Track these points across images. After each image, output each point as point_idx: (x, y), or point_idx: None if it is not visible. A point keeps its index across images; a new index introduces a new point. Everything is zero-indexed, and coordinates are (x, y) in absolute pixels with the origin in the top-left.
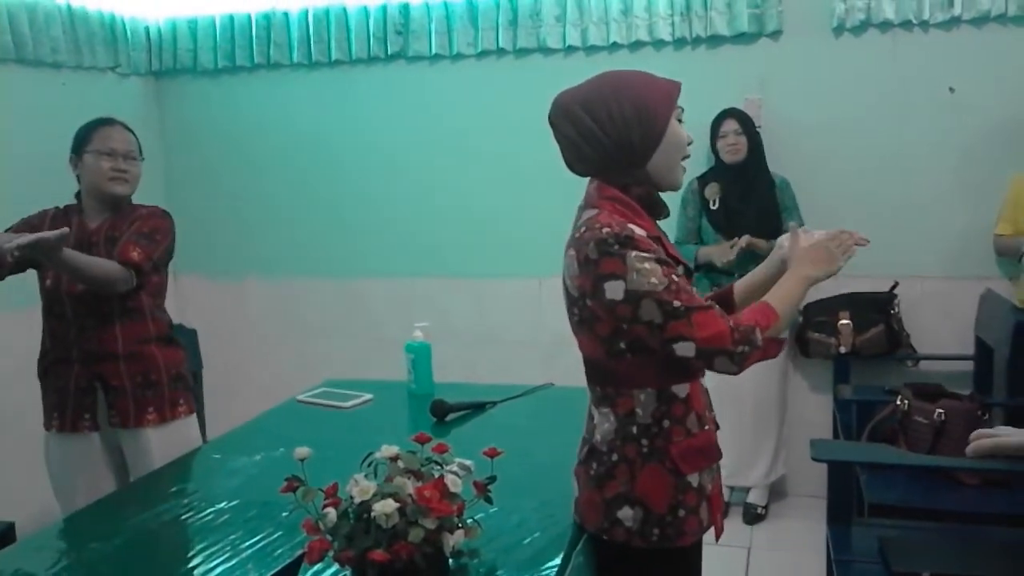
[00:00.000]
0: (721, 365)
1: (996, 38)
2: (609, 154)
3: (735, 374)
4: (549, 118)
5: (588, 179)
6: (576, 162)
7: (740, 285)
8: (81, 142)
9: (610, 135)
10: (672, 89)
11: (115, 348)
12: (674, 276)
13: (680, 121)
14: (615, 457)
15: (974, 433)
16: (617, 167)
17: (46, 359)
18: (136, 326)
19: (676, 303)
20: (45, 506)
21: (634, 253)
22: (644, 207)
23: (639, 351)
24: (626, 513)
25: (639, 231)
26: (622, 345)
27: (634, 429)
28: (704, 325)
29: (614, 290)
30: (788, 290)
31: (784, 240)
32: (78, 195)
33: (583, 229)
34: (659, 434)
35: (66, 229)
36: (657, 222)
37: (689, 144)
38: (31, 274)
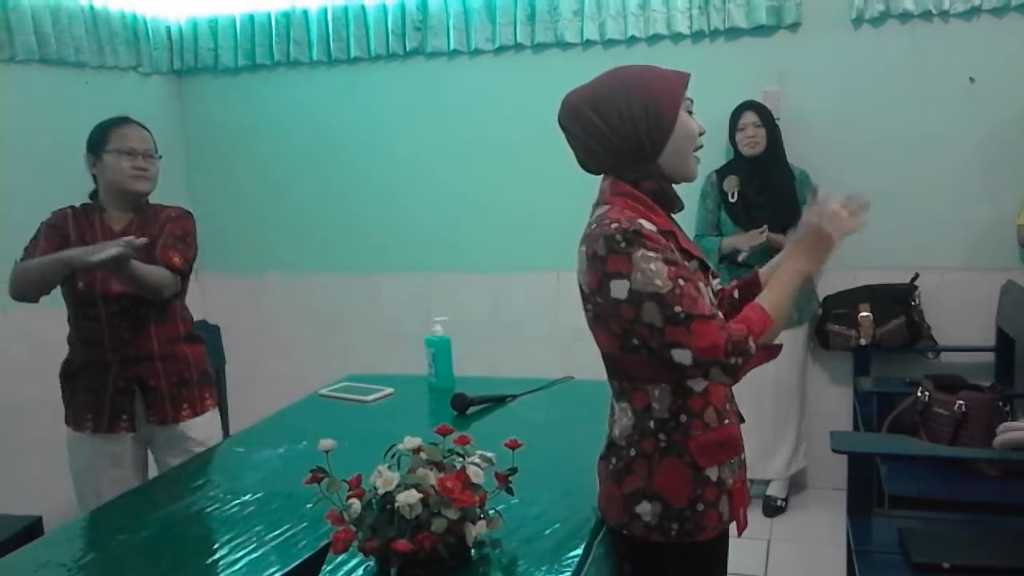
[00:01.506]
0: (716, 376)
1: (1017, 27)
2: (620, 152)
3: (730, 385)
4: (559, 119)
5: (601, 176)
6: (588, 161)
7: (765, 272)
8: (99, 142)
9: (619, 133)
10: (679, 81)
11: (151, 349)
12: (680, 280)
13: (690, 112)
14: (633, 452)
15: (1002, 426)
16: (629, 164)
17: (74, 362)
18: (167, 327)
19: (677, 308)
20: (71, 500)
21: (641, 252)
22: (657, 201)
23: None
24: (644, 508)
25: (648, 226)
26: (635, 341)
27: (651, 424)
28: (701, 335)
29: (618, 289)
30: (784, 286)
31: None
32: (93, 194)
33: (593, 225)
34: (676, 428)
35: (144, 240)
36: (672, 216)
37: (701, 135)
38: None
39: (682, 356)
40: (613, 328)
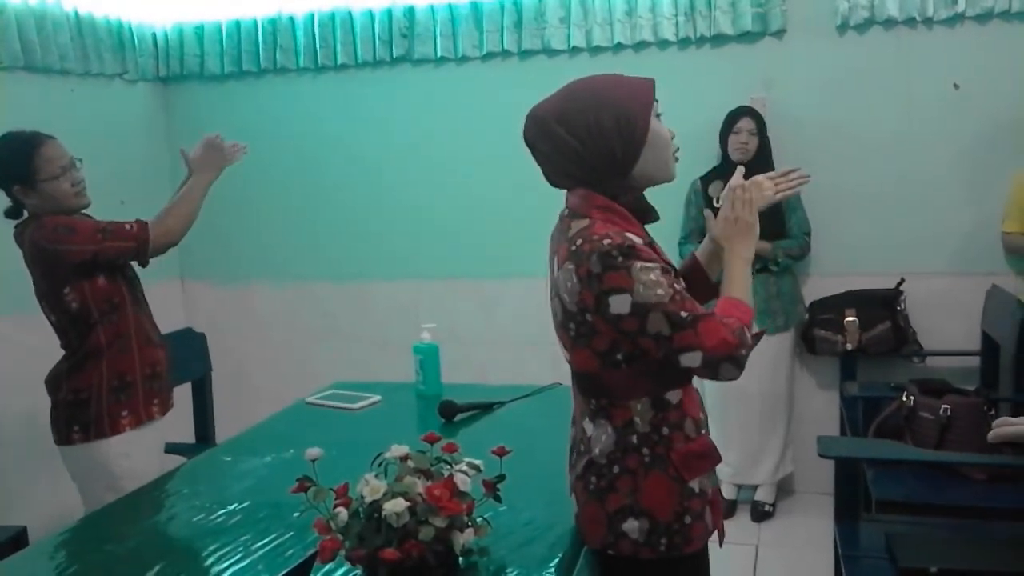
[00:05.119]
0: (727, 372)
1: (1000, 34)
2: (593, 167)
3: (736, 379)
4: (524, 136)
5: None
6: (556, 176)
7: (703, 254)
8: (28, 173)
9: (591, 147)
10: (647, 88)
11: (157, 331)
12: (676, 284)
13: (659, 115)
14: (616, 469)
15: (997, 420)
16: (603, 177)
17: (97, 359)
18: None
19: (683, 313)
20: (56, 510)
21: (639, 264)
22: (634, 214)
23: (634, 360)
24: (631, 525)
25: (637, 239)
26: (619, 356)
27: (634, 439)
28: (710, 333)
29: (620, 304)
30: (739, 277)
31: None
32: (15, 211)
33: (579, 242)
34: (659, 441)
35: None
36: (646, 227)
37: (673, 138)
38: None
39: (691, 359)
40: (597, 346)
